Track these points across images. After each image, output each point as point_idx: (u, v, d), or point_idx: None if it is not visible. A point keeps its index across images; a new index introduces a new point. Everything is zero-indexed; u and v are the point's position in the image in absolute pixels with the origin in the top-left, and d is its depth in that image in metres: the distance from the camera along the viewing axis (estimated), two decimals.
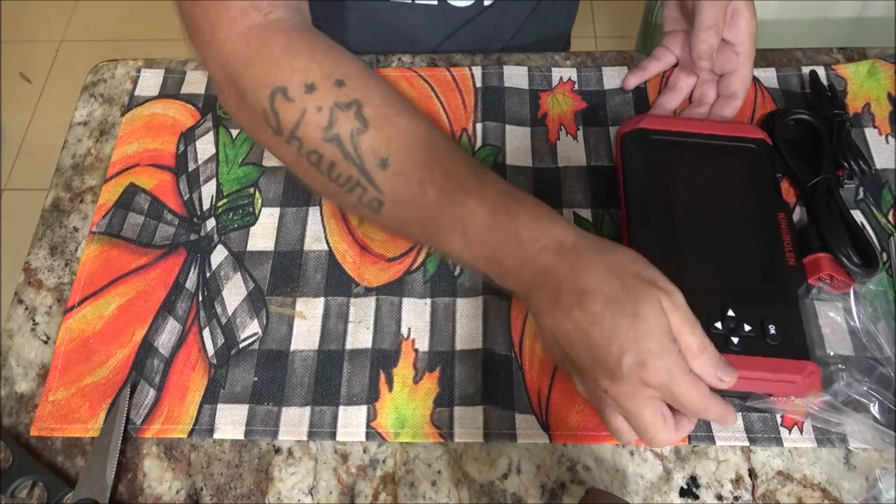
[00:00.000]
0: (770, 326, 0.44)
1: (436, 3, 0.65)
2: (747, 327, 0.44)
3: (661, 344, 0.37)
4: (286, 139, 0.44)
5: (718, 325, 0.44)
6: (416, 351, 0.51)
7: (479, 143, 0.60)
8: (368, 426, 0.49)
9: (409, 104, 0.45)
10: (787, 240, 0.49)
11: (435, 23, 0.67)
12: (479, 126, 0.61)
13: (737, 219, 0.50)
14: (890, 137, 0.59)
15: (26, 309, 0.55)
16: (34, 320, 0.54)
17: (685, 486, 0.47)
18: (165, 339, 0.52)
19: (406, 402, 0.49)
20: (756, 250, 0.48)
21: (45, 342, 0.53)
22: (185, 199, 0.58)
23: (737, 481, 0.47)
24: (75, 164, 0.62)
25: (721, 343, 0.43)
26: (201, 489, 0.47)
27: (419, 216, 0.43)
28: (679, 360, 0.38)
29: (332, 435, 0.48)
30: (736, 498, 0.46)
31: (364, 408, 0.49)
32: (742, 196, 0.51)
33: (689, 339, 0.39)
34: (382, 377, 0.50)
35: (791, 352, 0.44)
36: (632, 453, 0.48)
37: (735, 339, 0.44)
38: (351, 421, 0.49)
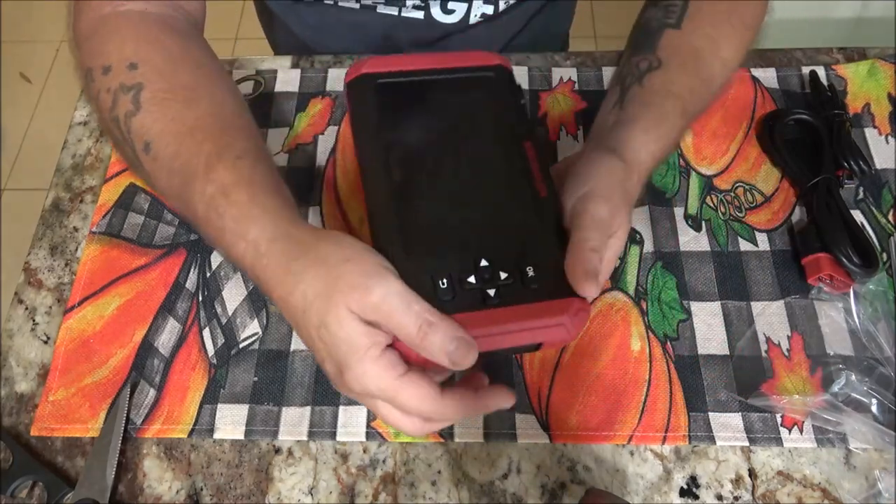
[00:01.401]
0: (528, 269, 0.38)
1: (421, 17, 0.66)
2: (503, 275, 0.38)
3: (350, 353, 0.34)
4: (99, 120, 0.47)
5: (472, 279, 0.38)
6: None
7: None
8: (368, 426, 0.49)
9: (200, 94, 0.44)
10: (535, 169, 0.42)
11: (420, 37, 0.68)
12: None
13: (478, 158, 0.43)
14: (890, 137, 0.59)
15: (26, 309, 0.55)
16: (34, 320, 0.54)
17: (685, 486, 0.47)
18: (165, 339, 0.52)
19: None
20: (503, 189, 0.42)
21: (45, 342, 0.53)
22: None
23: (737, 481, 0.47)
24: (75, 164, 0.62)
25: (478, 299, 0.37)
26: (201, 489, 0.47)
27: (175, 202, 0.44)
28: (377, 366, 0.34)
29: (333, 435, 0.48)
30: (736, 498, 0.46)
31: (364, 408, 0.49)
32: (482, 132, 0.44)
33: (405, 331, 0.34)
34: None
35: (554, 292, 0.38)
36: (632, 453, 0.48)
37: (492, 292, 0.38)
38: (351, 421, 0.49)
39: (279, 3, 0.71)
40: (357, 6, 0.66)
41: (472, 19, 0.67)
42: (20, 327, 0.54)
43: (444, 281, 0.37)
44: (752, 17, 0.50)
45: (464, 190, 0.42)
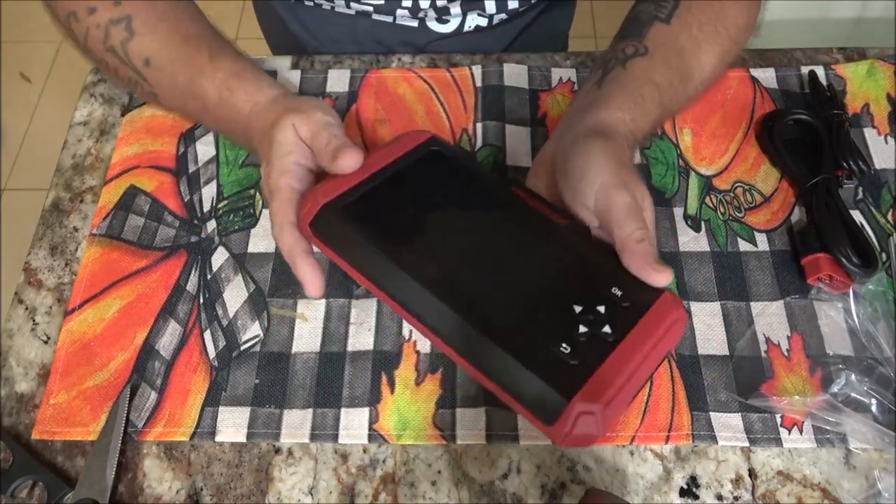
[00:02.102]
0: (613, 290, 0.38)
1: (415, 24, 0.67)
2: (601, 308, 0.37)
3: (275, 151, 0.45)
4: (85, 52, 0.54)
5: (582, 328, 0.36)
6: (418, 353, 0.51)
7: (479, 143, 0.60)
8: (370, 428, 0.48)
9: (177, 12, 0.52)
10: (538, 205, 0.42)
11: (414, 42, 0.69)
12: (479, 126, 0.61)
13: (489, 226, 0.42)
14: (889, 137, 0.60)
15: (26, 309, 0.55)
16: (34, 320, 0.54)
17: (685, 486, 0.47)
18: (166, 342, 0.52)
19: (408, 404, 0.49)
20: (531, 238, 0.41)
21: (45, 342, 0.53)
22: (186, 200, 0.58)
23: (737, 481, 0.47)
24: (75, 164, 0.62)
25: (601, 344, 0.36)
26: (201, 489, 0.47)
27: (180, 100, 0.52)
28: (282, 167, 0.45)
29: (335, 437, 0.48)
30: (736, 498, 0.46)
31: (366, 410, 0.49)
32: (471, 202, 0.44)
33: (318, 142, 0.44)
34: (384, 379, 0.50)
35: (648, 296, 0.38)
36: (632, 453, 0.48)
37: (607, 328, 0.37)
38: (353, 423, 0.49)
39: (281, 1, 0.72)
40: (352, 12, 0.67)
41: (466, 29, 0.68)
42: (20, 327, 0.54)
43: (564, 346, 0.36)
44: (737, 29, 0.51)
45: (500, 259, 0.40)
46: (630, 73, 0.47)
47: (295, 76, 0.65)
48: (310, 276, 0.44)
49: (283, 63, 0.66)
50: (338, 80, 0.64)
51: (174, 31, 0.51)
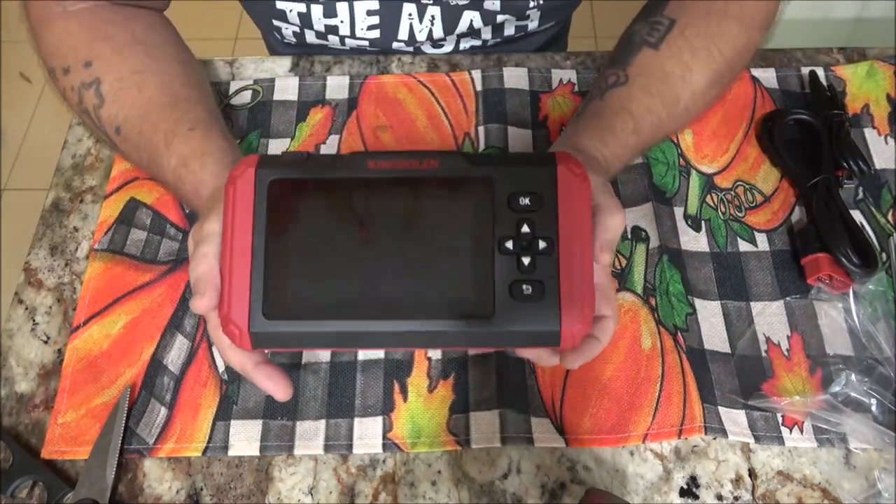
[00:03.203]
0: (522, 201, 0.38)
1: (411, 50, 0.67)
2: (525, 228, 0.38)
3: (195, 243, 0.42)
4: (67, 105, 0.54)
5: (525, 260, 0.38)
6: (429, 359, 0.51)
7: (482, 145, 0.60)
8: (385, 437, 0.48)
9: (143, 74, 0.51)
10: (405, 163, 0.40)
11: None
12: (481, 129, 0.61)
13: (386, 221, 0.40)
14: (889, 138, 0.60)
15: (26, 309, 0.55)
16: (34, 320, 0.54)
17: (685, 486, 0.47)
18: (175, 356, 0.51)
19: (422, 411, 0.49)
20: (426, 203, 0.39)
21: (45, 342, 0.53)
22: (188, 212, 0.57)
23: (737, 481, 0.47)
24: (75, 164, 0.62)
25: (546, 261, 0.38)
26: (201, 489, 0.47)
27: (149, 172, 0.52)
28: (199, 256, 0.41)
29: (349, 447, 0.48)
30: (736, 498, 0.46)
31: (379, 419, 0.49)
32: (352, 209, 0.40)
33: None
34: (397, 387, 0.50)
35: (547, 177, 0.38)
36: (632, 453, 0.48)
37: (541, 243, 0.38)
38: (366, 433, 0.48)
39: (275, 41, 0.72)
40: (347, 48, 0.67)
41: (461, 48, 0.69)
42: (20, 327, 0.54)
43: (525, 288, 0.38)
44: (733, 51, 0.50)
45: (422, 246, 0.39)
46: (606, 104, 0.49)
47: (293, 84, 0.64)
48: (272, 387, 0.41)
49: (282, 63, 0.66)
50: (337, 88, 0.63)
51: (135, 103, 0.49)
